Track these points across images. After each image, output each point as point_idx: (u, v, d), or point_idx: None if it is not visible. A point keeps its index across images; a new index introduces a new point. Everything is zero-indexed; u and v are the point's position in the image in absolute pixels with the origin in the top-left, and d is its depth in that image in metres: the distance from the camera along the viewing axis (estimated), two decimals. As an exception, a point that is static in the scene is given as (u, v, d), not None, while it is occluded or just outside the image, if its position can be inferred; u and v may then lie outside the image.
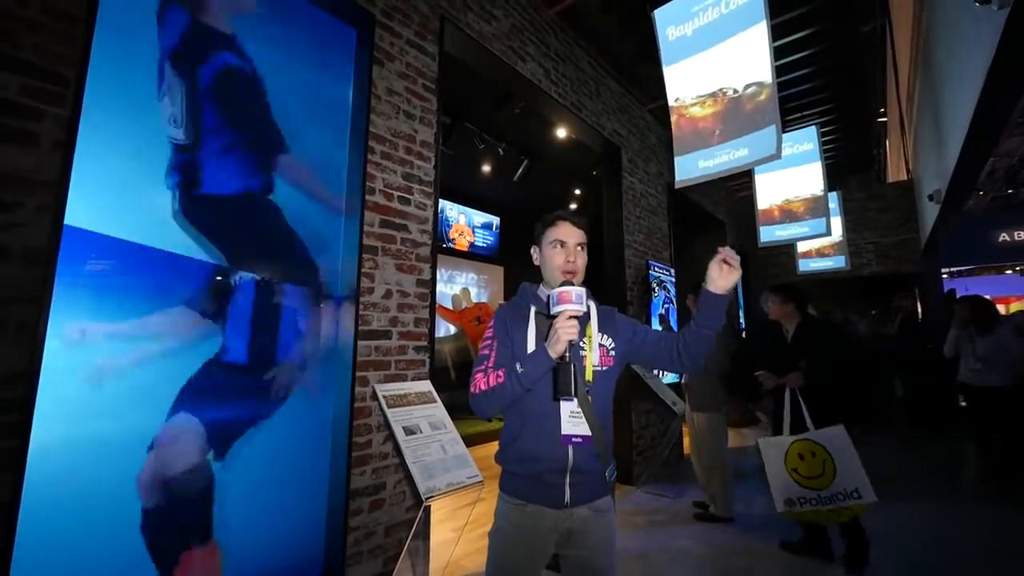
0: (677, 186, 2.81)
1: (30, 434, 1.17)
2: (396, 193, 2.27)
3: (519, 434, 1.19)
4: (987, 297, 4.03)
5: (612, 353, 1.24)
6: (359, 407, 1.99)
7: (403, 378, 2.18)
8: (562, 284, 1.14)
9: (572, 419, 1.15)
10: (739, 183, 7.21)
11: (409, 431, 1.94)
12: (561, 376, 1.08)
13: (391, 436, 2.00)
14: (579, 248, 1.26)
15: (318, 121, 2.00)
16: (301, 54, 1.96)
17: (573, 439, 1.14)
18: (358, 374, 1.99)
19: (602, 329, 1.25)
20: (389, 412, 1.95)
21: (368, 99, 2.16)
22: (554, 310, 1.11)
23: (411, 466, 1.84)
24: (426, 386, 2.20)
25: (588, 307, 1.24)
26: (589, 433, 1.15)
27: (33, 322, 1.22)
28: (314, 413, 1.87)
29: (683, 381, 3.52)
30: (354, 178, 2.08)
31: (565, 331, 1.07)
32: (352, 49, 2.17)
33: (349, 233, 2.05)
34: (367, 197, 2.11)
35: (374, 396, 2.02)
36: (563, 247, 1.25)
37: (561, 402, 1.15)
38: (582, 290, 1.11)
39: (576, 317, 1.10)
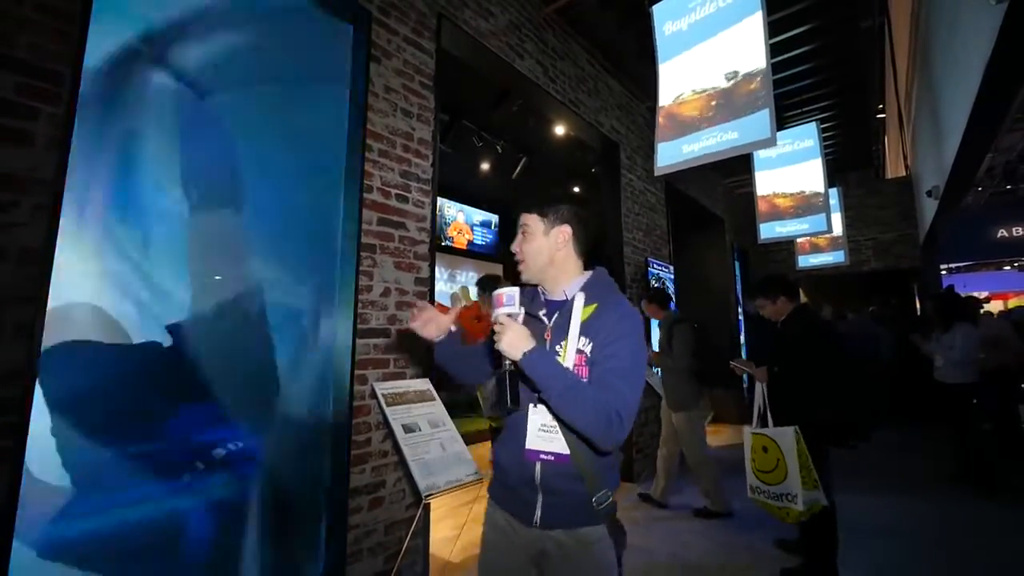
0: (657, 172, 2.73)
1: (27, 433, 1.17)
2: (394, 191, 2.26)
3: (500, 439, 1.13)
4: (962, 294, 4.08)
5: (588, 362, 1.04)
6: (358, 405, 1.98)
7: (402, 376, 2.18)
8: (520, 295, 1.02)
9: (542, 433, 1.02)
10: (738, 179, 7.20)
11: (408, 429, 1.94)
12: (498, 387, 0.97)
13: (390, 434, 2.00)
14: (521, 233, 1.15)
15: (317, 119, 2.00)
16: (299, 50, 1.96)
17: (542, 455, 1.02)
18: (357, 372, 1.99)
19: (586, 331, 1.05)
20: (388, 410, 1.95)
21: (365, 96, 2.15)
22: (493, 315, 1.00)
23: (410, 464, 1.85)
24: (425, 384, 2.20)
25: (572, 300, 1.09)
26: (565, 452, 1.00)
27: (30, 322, 1.22)
28: (313, 411, 1.87)
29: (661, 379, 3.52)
30: (352, 176, 2.08)
31: (499, 338, 0.96)
32: (349, 46, 2.17)
33: (347, 231, 2.05)
34: (364, 195, 2.11)
35: (373, 394, 2.02)
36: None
37: (529, 412, 1.04)
38: (514, 291, 1.00)
39: (513, 315, 0.99)
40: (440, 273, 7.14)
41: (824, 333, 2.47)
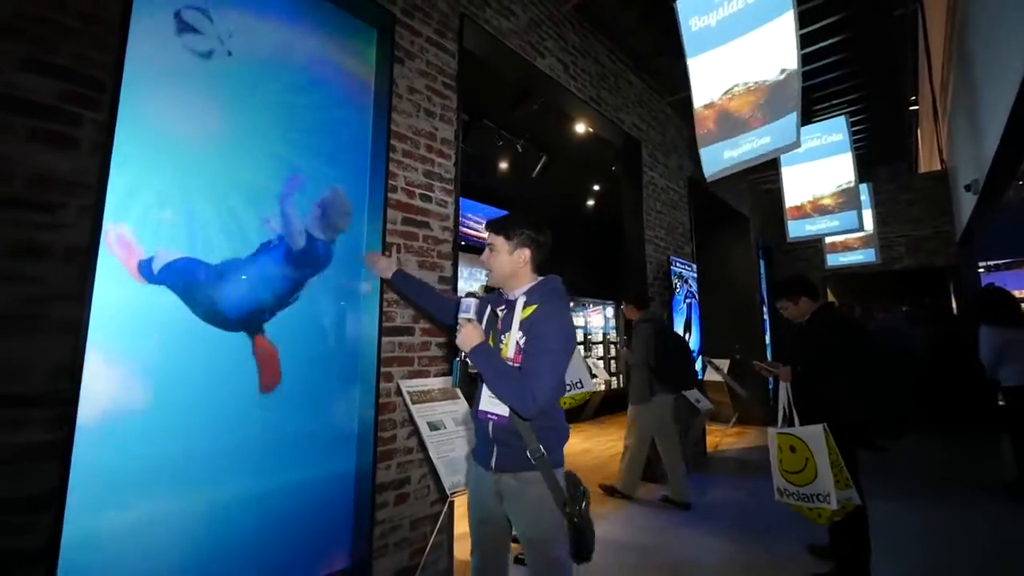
0: (709, 179, 2.78)
1: (76, 425, 1.22)
2: (418, 191, 2.28)
3: (473, 404, 1.44)
4: (1004, 291, 3.85)
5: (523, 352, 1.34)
6: (384, 403, 2.01)
7: (426, 374, 2.20)
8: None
9: (491, 399, 1.33)
10: (763, 176, 7.03)
11: (433, 427, 1.95)
12: (459, 369, 1.46)
13: (415, 431, 2.02)
14: (488, 249, 1.45)
15: (342, 121, 2.03)
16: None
17: (489, 415, 1.33)
18: (382, 370, 2.01)
19: (524, 327, 1.34)
20: (413, 408, 1.97)
21: (389, 97, 2.17)
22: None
23: (435, 461, 1.86)
24: (449, 382, 2.21)
25: (516, 300, 1.39)
26: (506, 414, 1.30)
27: (76, 318, 1.27)
28: (341, 407, 1.90)
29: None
30: (376, 176, 2.11)
31: (457, 334, 1.33)
32: (373, 48, 2.20)
33: (372, 230, 2.08)
34: (389, 195, 2.13)
35: (398, 392, 2.04)
36: None
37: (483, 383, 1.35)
38: (471, 301, 1.39)
39: (468, 319, 1.35)
40: (460, 272, 7.16)
41: (848, 331, 2.40)
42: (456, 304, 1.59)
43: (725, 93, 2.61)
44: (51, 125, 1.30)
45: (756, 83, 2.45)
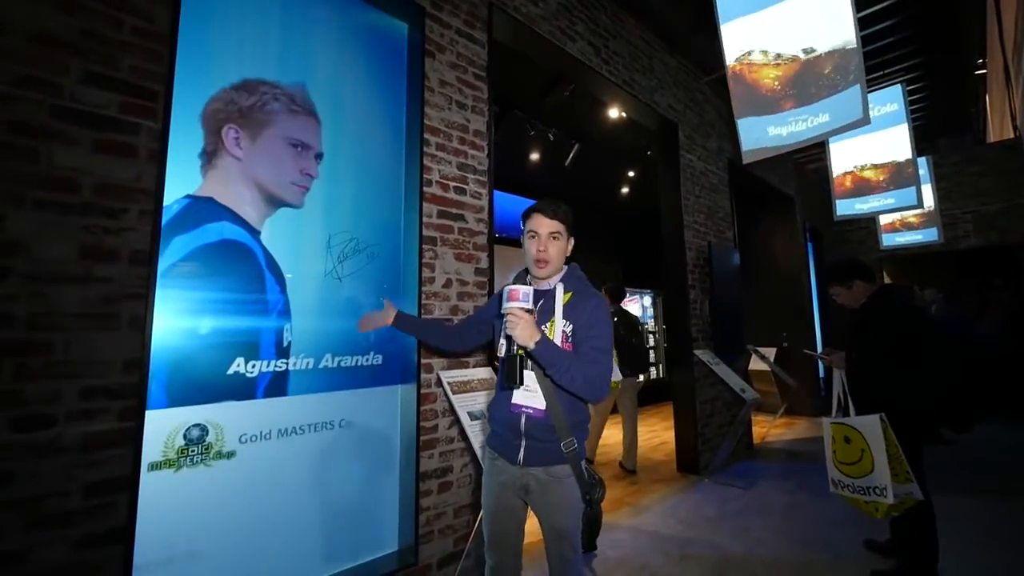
0: (745, 159, 2.60)
1: (145, 414, 1.31)
2: (452, 184, 2.30)
3: (494, 398, 1.43)
4: None
5: (571, 340, 1.33)
6: (425, 393, 2.05)
7: (465, 365, 2.23)
8: (515, 282, 1.29)
9: (526, 392, 1.31)
10: (809, 154, 6.65)
11: (473, 416, 1.98)
12: (507, 367, 1.26)
13: (456, 421, 2.05)
14: (552, 237, 1.37)
15: (377, 118, 2.07)
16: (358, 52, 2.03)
17: (524, 409, 1.31)
18: (423, 361, 2.05)
19: (567, 315, 1.34)
20: (454, 398, 2.00)
21: (421, 92, 2.19)
22: (504, 307, 1.23)
23: (477, 450, 1.89)
24: (488, 373, 2.24)
25: (555, 288, 1.37)
26: (543, 407, 1.29)
27: (142, 316, 1.36)
28: (385, 398, 1.96)
29: None
30: (411, 171, 2.14)
31: (513, 328, 1.22)
32: (404, 43, 2.22)
33: (409, 224, 2.11)
34: (424, 189, 2.16)
35: (439, 382, 2.08)
36: (535, 238, 1.37)
37: None
38: (529, 290, 1.25)
39: (528, 310, 1.24)
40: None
41: (909, 315, 2.24)
42: (468, 324, 1.66)
43: (770, 62, 2.43)
44: (113, 136, 1.39)
45: (807, 53, 2.28)
